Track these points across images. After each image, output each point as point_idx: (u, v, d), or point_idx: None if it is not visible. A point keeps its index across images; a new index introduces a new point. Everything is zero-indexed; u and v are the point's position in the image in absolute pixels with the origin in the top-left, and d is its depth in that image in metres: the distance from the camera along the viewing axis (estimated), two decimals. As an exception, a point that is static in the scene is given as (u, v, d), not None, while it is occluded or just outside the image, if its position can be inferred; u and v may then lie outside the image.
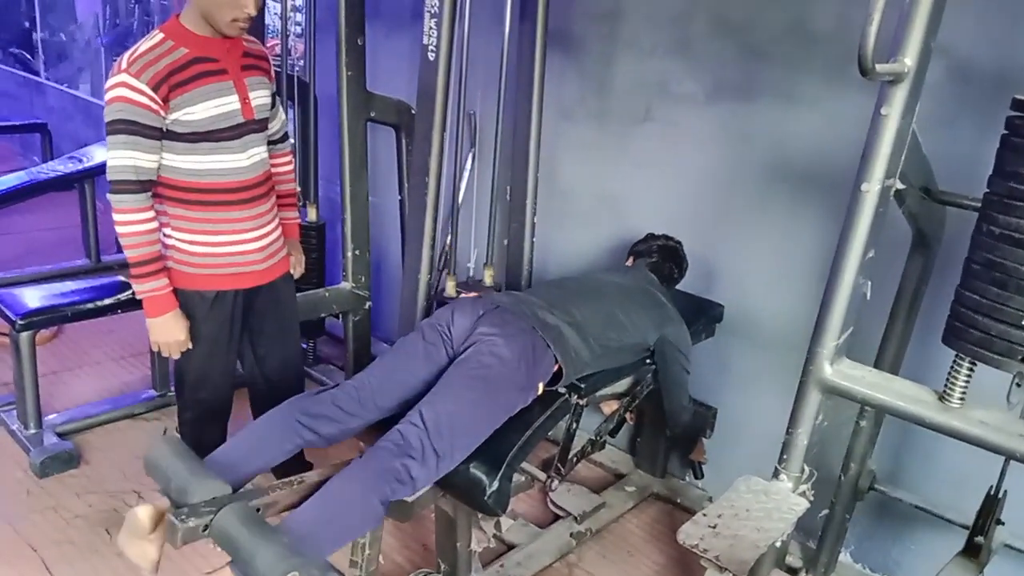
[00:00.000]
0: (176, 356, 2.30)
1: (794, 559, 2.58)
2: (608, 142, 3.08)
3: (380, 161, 3.54)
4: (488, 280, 3.09)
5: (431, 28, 2.76)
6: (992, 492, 1.97)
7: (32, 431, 2.97)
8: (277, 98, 2.43)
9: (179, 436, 2.43)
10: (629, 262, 2.73)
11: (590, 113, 3.12)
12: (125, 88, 2.02)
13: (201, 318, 2.30)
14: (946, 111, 2.15)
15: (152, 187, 2.15)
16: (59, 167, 4.62)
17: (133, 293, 3.04)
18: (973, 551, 1.94)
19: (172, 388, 3.33)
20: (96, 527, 2.62)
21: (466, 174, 3.32)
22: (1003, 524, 2.02)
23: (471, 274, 3.42)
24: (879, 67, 1.47)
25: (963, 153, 2.11)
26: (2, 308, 2.91)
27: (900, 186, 1.67)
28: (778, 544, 1.72)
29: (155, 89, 2.02)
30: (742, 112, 2.69)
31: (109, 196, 2.10)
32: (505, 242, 3.17)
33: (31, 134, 6.28)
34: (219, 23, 2.08)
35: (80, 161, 4.67)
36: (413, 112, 3.05)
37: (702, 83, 2.77)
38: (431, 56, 2.80)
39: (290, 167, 2.55)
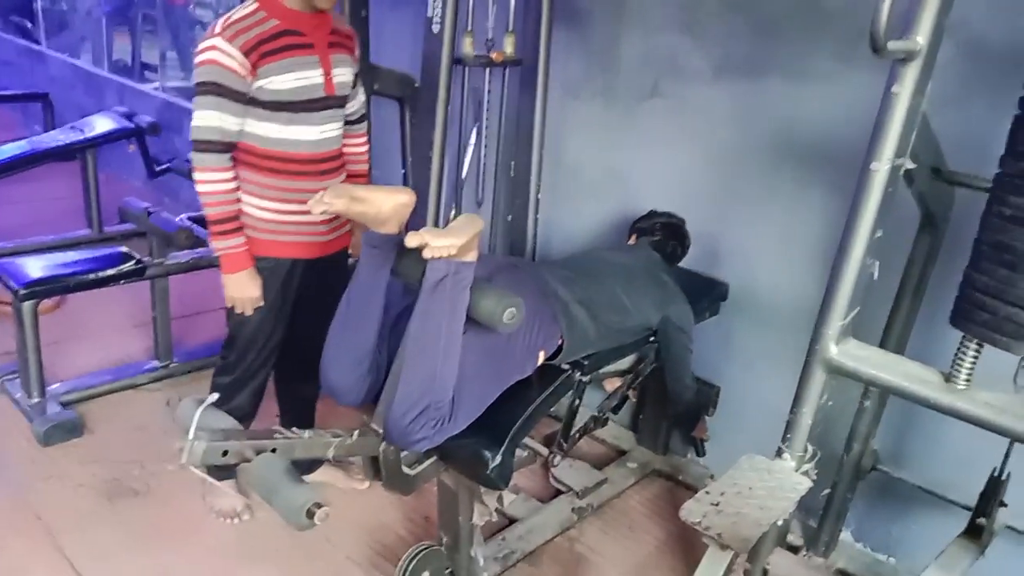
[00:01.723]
0: (249, 312, 2.33)
1: (795, 537, 2.59)
2: (614, 118, 3.06)
3: (383, 134, 3.51)
4: (509, 48, 2.98)
5: (435, 0, 2.74)
6: (996, 474, 1.97)
7: (35, 400, 2.98)
8: (359, 79, 2.45)
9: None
10: (631, 240, 2.71)
11: (596, 88, 3.09)
12: (217, 52, 2.07)
13: (261, 282, 2.33)
14: (956, 90, 2.13)
15: (233, 149, 2.20)
16: (60, 137, 4.60)
17: (136, 263, 3.08)
18: (975, 532, 1.94)
19: (174, 360, 3.37)
20: (99, 496, 2.64)
21: (470, 148, 3.29)
22: (1006, 506, 2.02)
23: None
24: (891, 45, 1.46)
25: (973, 133, 2.09)
26: (5, 278, 2.91)
27: (910, 165, 1.65)
28: (780, 523, 1.73)
29: (246, 55, 2.08)
30: (750, 89, 2.66)
31: (192, 155, 2.16)
32: (509, 218, 3.16)
33: (32, 103, 6.23)
34: None
35: (82, 131, 4.65)
36: (417, 85, 3.04)
37: (710, 59, 2.75)
38: (436, 28, 2.77)
39: (365, 148, 2.57)
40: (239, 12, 2.12)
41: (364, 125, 2.55)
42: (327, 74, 2.24)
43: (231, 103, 2.12)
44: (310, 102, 2.22)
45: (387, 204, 1.86)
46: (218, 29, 2.09)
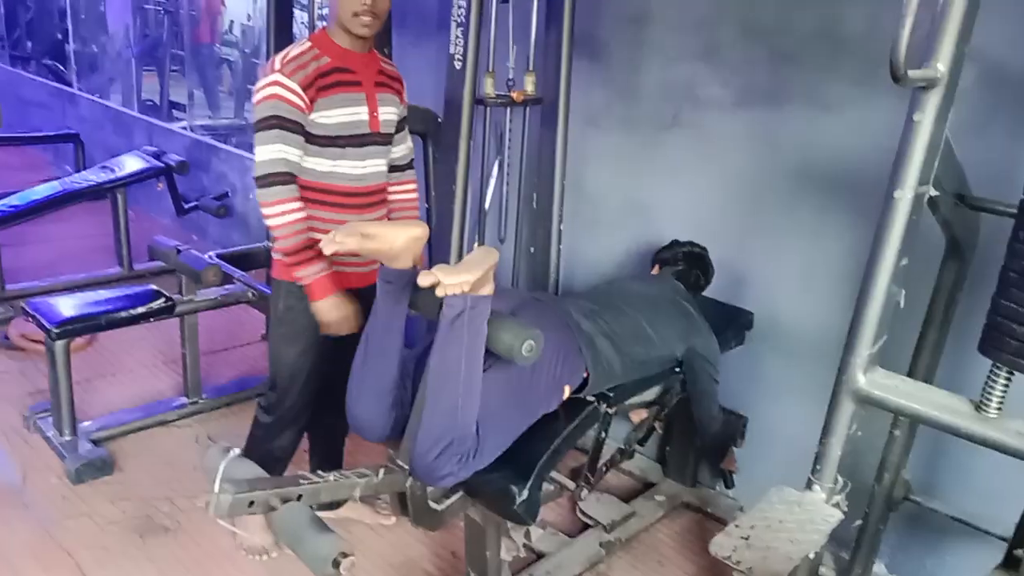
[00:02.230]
0: (345, 332, 2.32)
1: (827, 570, 2.55)
2: (635, 148, 3.07)
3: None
4: (530, 87, 3.01)
5: (457, 37, 2.78)
6: (1031, 503, 1.93)
7: (67, 438, 3.00)
8: (406, 124, 2.51)
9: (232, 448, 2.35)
10: (655, 270, 2.71)
11: (617, 119, 3.11)
12: (279, 87, 2.15)
13: (300, 311, 2.35)
14: (978, 116, 2.12)
15: (295, 180, 2.24)
16: (91, 177, 4.69)
17: (166, 301, 3.12)
18: (1013, 564, 1.90)
19: (203, 397, 3.39)
20: (130, 533, 2.65)
21: (493, 181, 3.32)
22: (1043, 536, 1.98)
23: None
24: (911, 73, 1.46)
25: (997, 159, 2.08)
26: (38, 317, 2.96)
27: (934, 193, 1.64)
28: (811, 556, 1.71)
29: (305, 90, 2.16)
30: (770, 117, 2.67)
31: (260, 191, 2.20)
32: (532, 249, 3.17)
33: (64, 144, 6.37)
34: (344, 20, 2.19)
35: (112, 171, 4.74)
36: (440, 120, 3.07)
37: (730, 88, 2.76)
38: (458, 65, 2.81)
39: (413, 195, 2.58)
40: (296, 49, 2.20)
41: (412, 172, 2.58)
42: (373, 112, 2.30)
43: (293, 135, 2.18)
44: (355, 137, 2.28)
45: (399, 239, 1.87)
46: (277, 66, 2.16)
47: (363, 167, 2.33)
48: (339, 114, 2.23)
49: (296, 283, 2.32)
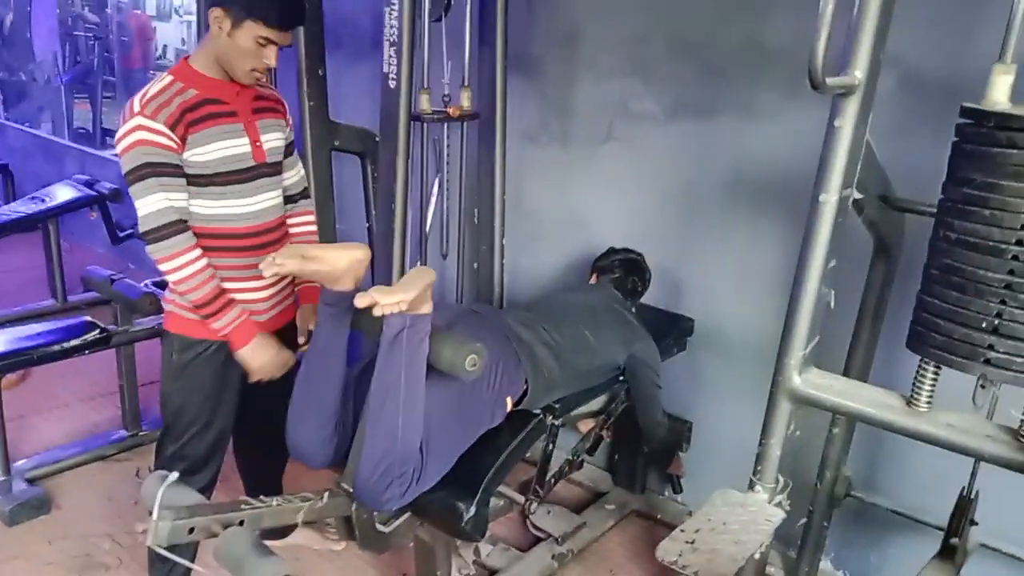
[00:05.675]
0: (278, 375, 2.19)
1: (775, 569, 2.58)
2: (572, 163, 3.10)
3: (346, 189, 3.54)
4: (466, 102, 2.99)
5: (391, 56, 2.78)
6: (964, 493, 1.99)
7: (0, 478, 2.91)
8: (294, 148, 2.33)
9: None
10: (592, 279, 2.74)
11: (553, 134, 3.14)
12: (144, 131, 1.95)
13: (197, 365, 2.19)
14: (900, 120, 2.19)
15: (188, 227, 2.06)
16: (22, 208, 4.55)
17: (101, 332, 3.05)
18: (949, 553, 1.96)
19: (143, 429, 3.31)
20: (69, 573, 2.57)
21: (433, 199, 3.32)
22: (977, 524, 2.04)
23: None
24: (830, 81, 1.50)
25: (919, 161, 2.14)
26: (-34, 354, 2.86)
27: (858, 196, 1.69)
28: (757, 556, 1.73)
29: (172, 129, 1.97)
30: (702, 128, 2.72)
31: (153, 247, 2.01)
32: (475, 265, 3.18)
33: (-8, 175, 6.18)
34: (237, 72, 2.04)
35: (43, 201, 4.61)
36: (377, 139, 3.06)
37: (662, 102, 2.81)
38: (392, 84, 2.81)
39: (311, 228, 2.40)
40: (155, 86, 2.02)
41: (308, 203, 2.41)
42: (255, 142, 2.13)
43: (173, 179, 1.99)
44: (240, 172, 2.10)
45: (341, 261, 1.87)
46: (137, 108, 1.97)
47: (255, 203, 2.16)
48: (216, 148, 2.04)
49: (191, 337, 2.16)
